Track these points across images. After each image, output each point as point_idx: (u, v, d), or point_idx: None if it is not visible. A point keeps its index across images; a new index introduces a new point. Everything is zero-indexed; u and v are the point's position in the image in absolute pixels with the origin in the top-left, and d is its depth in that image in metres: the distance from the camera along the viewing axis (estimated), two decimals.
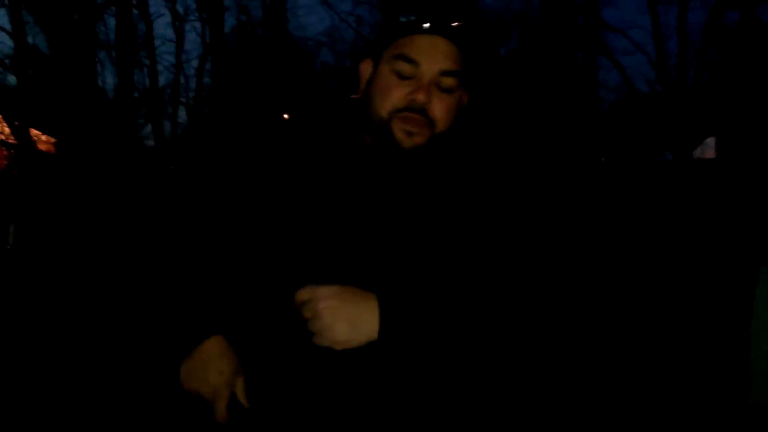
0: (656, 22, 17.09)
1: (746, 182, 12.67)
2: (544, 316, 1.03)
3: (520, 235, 1.07)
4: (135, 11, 17.02)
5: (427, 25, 1.04)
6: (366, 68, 1.12)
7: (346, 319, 0.96)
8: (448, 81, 1.05)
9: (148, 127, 17.76)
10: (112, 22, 18.24)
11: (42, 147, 14.35)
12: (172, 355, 1.08)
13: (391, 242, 1.03)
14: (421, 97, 1.02)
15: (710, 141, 18.06)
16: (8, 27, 14.07)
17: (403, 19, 1.06)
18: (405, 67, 1.04)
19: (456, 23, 1.04)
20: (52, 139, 14.59)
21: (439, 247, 1.04)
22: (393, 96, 1.04)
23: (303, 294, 0.98)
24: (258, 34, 17.80)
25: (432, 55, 1.04)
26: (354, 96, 1.15)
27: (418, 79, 1.04)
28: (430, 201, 1.07)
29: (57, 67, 13.82)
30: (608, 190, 12.34)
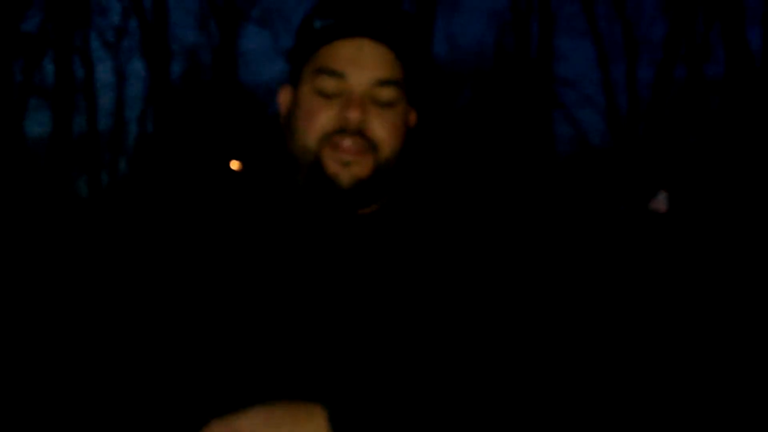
0: (606, 77, 17.53)
1: (699, 235, 12.82)
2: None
3: (509, 305, 0.87)
4: (75, 55, 16.42)
5: (349, 26, 0.84)
6: (284, 97, 0.91)
7: None
8: (386, 93, 0.84)
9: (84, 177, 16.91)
10: (48, 66, 17.55)
11: None
12: None
13: (338, 326, 0.82)
14: (354, 114, 0.82)
15: (662, 194, 18.33)
16: None
17: (318, 24, 0.85)
18: (329, 83, 0.84)
19: (386, 22, 0.84)
20: None
21: (406, 327, 0.83)
22: (319, 119, 0.84)
23: (215, 429, 0.74)
24: (206, 80, 17.38)
25: (360, 63, 0.84)
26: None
27: (347, 95, 0.84)
28: (385, 263, 0.86)
29: None
30: (570, 242, 12.23)
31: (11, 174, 13.15)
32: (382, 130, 0.83)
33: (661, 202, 18.58)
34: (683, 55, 17.76)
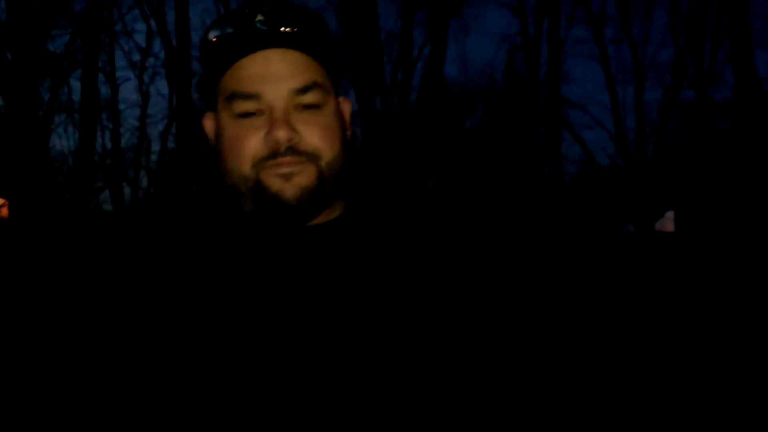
0: (614, 100, 17.81)
1: (705, 255, 12.86)
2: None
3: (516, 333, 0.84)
4: (101, 75, 16.96)
5: (249, 41, 0.76)
6: (208, 125, 0.84)
7: None
8: (309, 98, 0.78)
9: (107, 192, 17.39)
10: (75, 83, 18.09)
11: None
12: None
13: (316, 346, 0.74)
14: (281, 134, 0.75)
15: (670, 214, 18.46)
16: None
17: (213, 37, 0.78)
18: (246, 106, 0.77)
19: (287, 25, 0.77)
20: (3, 201, 14.12)
21: (382, 342, 0.75)
22: (247, 147, 0.77)
23: None
24: None
25: (273, 77, 0.77)
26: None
27: (269, 114, 0.77)
28: (353, 274, 0.78)
29: (14, 129, 13.49)
30: (575, 263, 12.34)
31: (37, 189, 13.58)
32: (316, 138, 0.78)
33: (668, 223, 18.73)
34: (691, 77, 18.04)
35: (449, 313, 0.80)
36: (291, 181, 0.76)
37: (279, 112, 0.76)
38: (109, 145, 17.39)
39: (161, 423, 0.74)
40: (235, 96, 0.77)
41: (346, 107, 0.85)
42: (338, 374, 0.74)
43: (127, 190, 17.96)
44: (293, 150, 0.76)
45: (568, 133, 17.72)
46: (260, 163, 0.77)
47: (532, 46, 17.36)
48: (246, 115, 0.77)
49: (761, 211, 13.73)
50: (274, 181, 0.76)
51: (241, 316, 0.75)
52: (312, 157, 0.77)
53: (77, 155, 15.86)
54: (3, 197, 14.26)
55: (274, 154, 0.76)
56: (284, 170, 0.76)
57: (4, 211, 14.12)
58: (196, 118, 16.67)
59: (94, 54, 16.61)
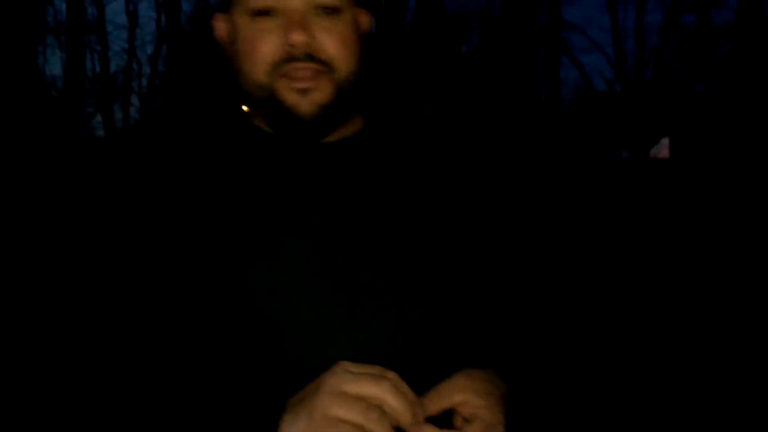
0: (615, 21, 17.40)
1: (698, 181, 12.97)
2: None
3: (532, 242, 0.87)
4: None
5: None
6: (220, 27, 0.81)
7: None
8: (329, 1, 0.75)
9: (98, 117, 17.18)
10: (61, 4, 17.51)
11: None
12: None
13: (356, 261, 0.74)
14: (298, 37, 0.72)
15: (665, 141, 18.45)
16: None
17: None
18: (262, 3, 0.74)
19: None
20: None
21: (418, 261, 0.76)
22: (262, 49, 0.74)
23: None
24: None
25: None
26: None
27: (286, 15, 0.74)
28: (371, 191, 0.78)
29: (2, 50, 13.17)
30: (567, 186, 12.45)
31: (27, 113, 13.41)
32: (334, 46, 0.75)
33: (663, 149, 18.75)
34: (693, 0, 17.58)
35: (454, 221, 0.81)
36: (307, 97, 0.75)
37: (296, 14, 0.74)
38: (98, 69, 17.03)
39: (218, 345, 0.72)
40: None
41: (364, 21, 0.81)
42: (375, 276, 0.75)
43: (118, 116, 17.75)
44: (310, 57, 0.74)
45: (566, 57, 17.41)
46: (276, 69, 0.75)
47: None
48: (261, 13, 0.75)
49: (759, 137, 13.72)
50: (289, 95, 0.75)
51: (270, 235, 0.74)
52: (329, 67, 0.75)
53: (66, 78, 15.56)
54: None
55: (289, 58, 0.74)
56: (301, 85, 0.74)
57: None
58: (186, 39, 16.23)
59: None
